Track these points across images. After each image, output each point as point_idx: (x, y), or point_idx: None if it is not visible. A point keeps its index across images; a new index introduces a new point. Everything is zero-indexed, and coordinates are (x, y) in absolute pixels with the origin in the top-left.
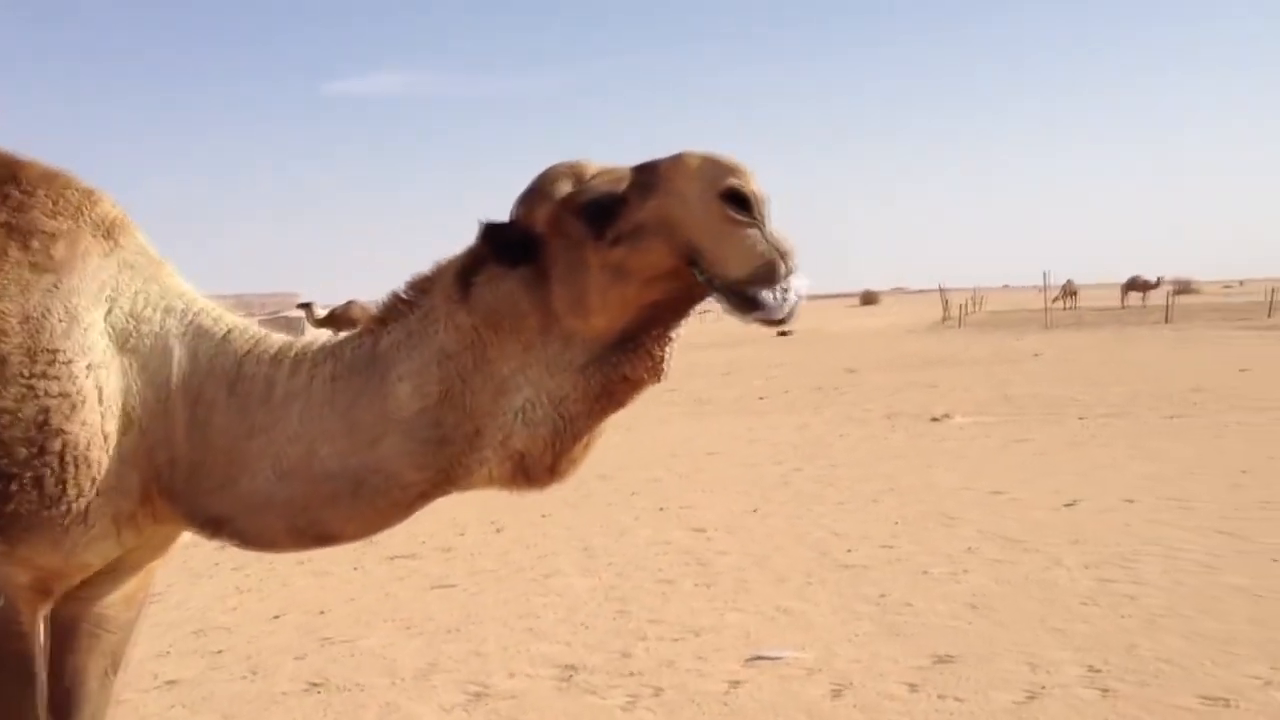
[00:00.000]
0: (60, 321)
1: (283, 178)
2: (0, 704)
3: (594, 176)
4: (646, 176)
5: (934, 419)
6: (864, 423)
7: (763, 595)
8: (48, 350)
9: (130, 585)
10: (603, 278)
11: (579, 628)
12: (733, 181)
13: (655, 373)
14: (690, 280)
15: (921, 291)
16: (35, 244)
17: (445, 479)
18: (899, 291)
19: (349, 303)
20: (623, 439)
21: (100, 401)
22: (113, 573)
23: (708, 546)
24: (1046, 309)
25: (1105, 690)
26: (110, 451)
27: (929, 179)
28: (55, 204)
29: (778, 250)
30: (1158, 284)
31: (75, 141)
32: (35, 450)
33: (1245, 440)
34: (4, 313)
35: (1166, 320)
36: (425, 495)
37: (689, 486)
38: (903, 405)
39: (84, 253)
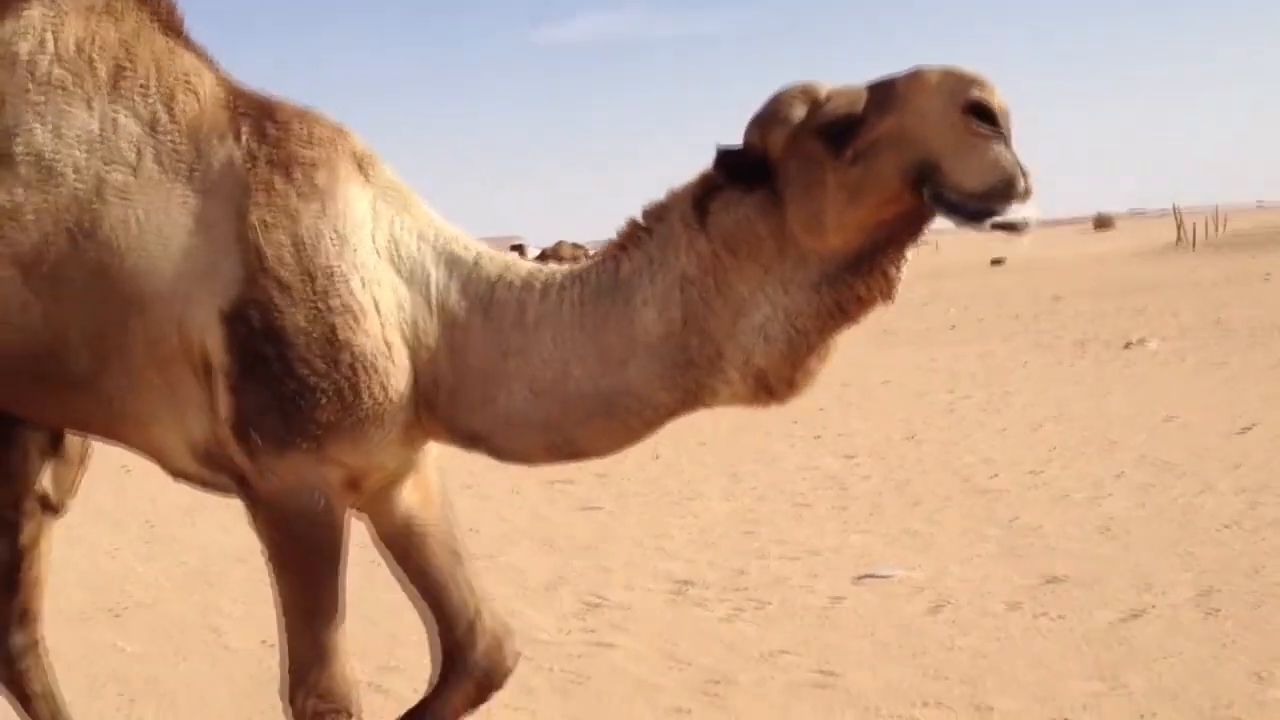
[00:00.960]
0: (333, 243)
1: (497, 126)
2: (313, 583)
3: (828, 98)
4: (883, 94)
5: (1127, 345)
6: (1051, 349)
7: (893, 518)
8: (325, 269)
9: (419, 494)
10: (840, 196)
11: (705, 546)
12: (976, 93)
13: (888, 292)
14: (919, 202)
15: (1163, 213)
16: (297, 174)
17: (693, 398)
18: (1137, 214)
19: (558, 243)
20: None
21: (379, 313)
22: (379, 493)
23: (853, 471)
24: None
25: (1213, 611)
26: (394, 361)
27: (1173, 93)
28: (310, 135)
29: (1019, 166)
30: None
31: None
32: (330, 364)
33: None
34: (280, 242)
35: None
36: (674, 413)
37: (852, 415)
38: (1099, 331)
39: (345, 178)
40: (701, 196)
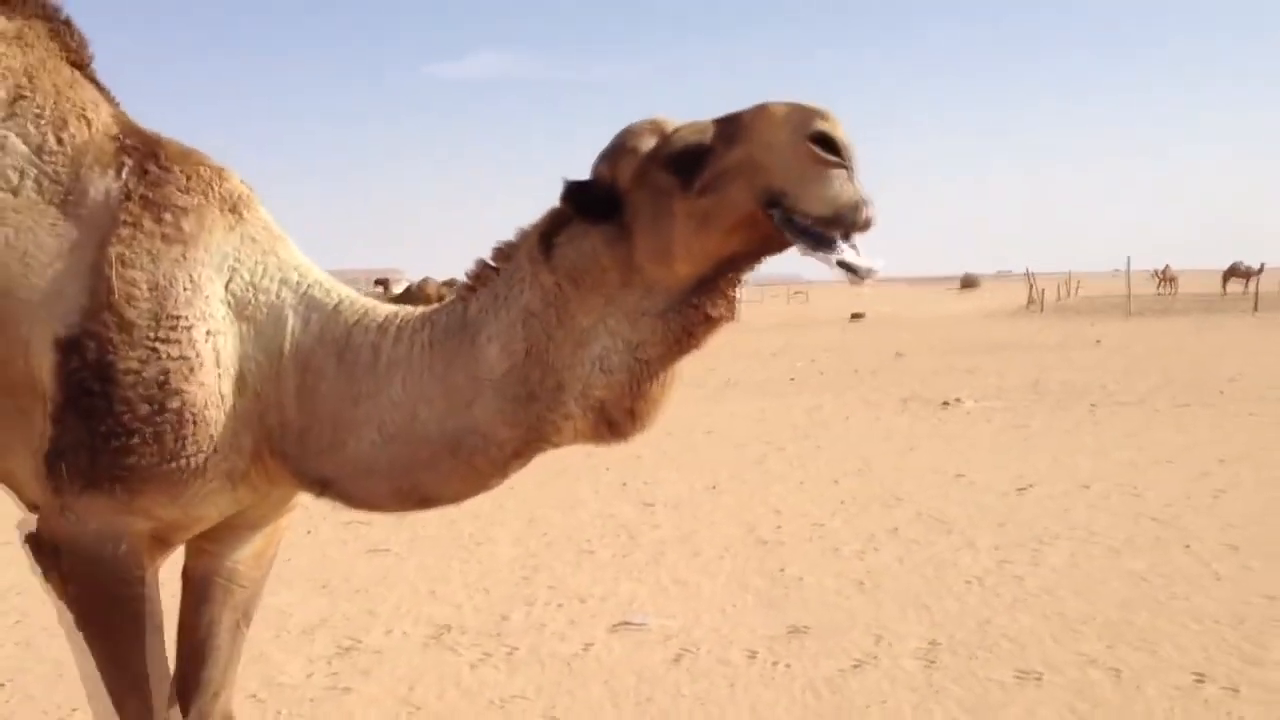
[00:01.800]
0: (185, 290)
1: (385, 157)
2: (117, 645)
3: (675, 131)
4: (731, 127)
5: (945, 404)
6: (877, 405)
7: (669, 567)
8: (171, 315)
9: (258, 544)
10: (688, 226)
11: (477, 591)
12: (821, 125)
13: (730, 311)
14: (769, 228)
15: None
16: (167, 217)
17: (536, 435)
18: (1003, 276)
19: (424, 279)
20: None
21: (218, 364)
22: (238, 529)
23: (646, 520)
24: (1129, 296)
25: (931, 662)
26: (226, 411)
27: (1045, 160)
28: (189, 180)
29: (862, 196)
30: (1261, 270)
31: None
32: (156, 408)
33: (1249, 429)
34: (134, 280)
35: (1255, 309)
36: (519, 454)
37: (664, 464)
38: (926, 389)
39: (210, 226)
40: (549, 230)
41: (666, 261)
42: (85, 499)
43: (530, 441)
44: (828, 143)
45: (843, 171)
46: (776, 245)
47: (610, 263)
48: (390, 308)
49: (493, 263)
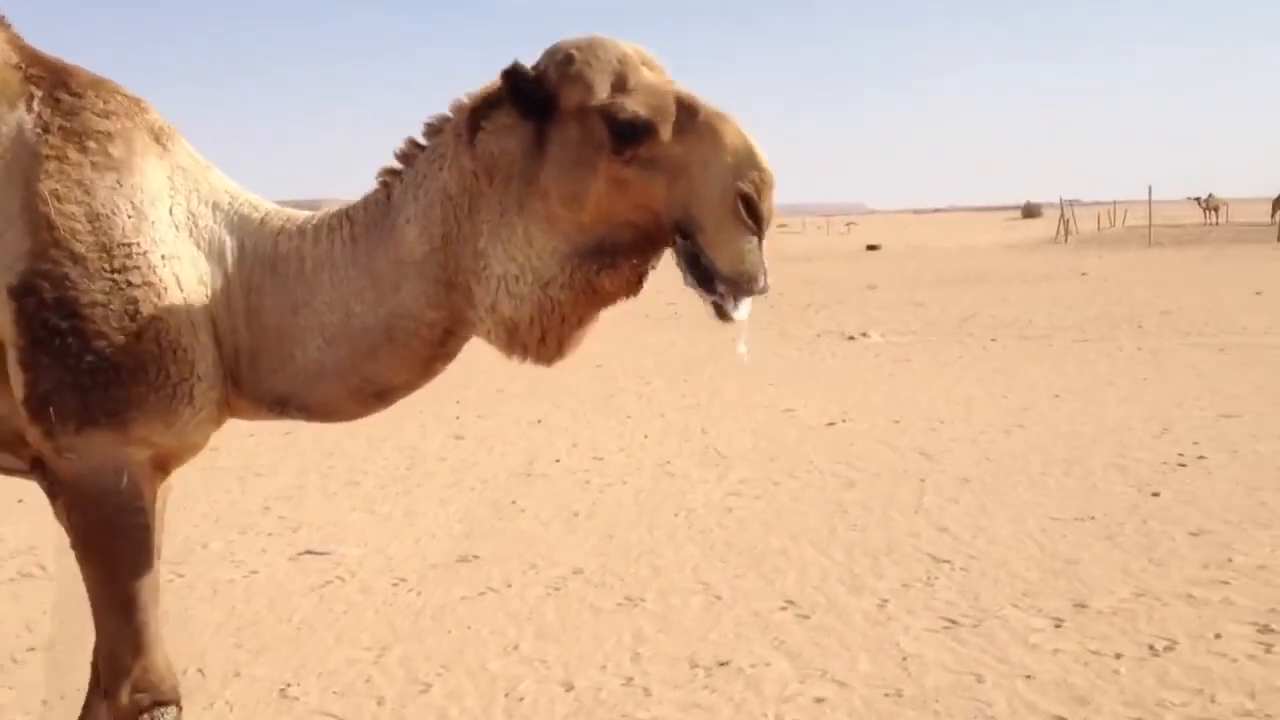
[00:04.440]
0: (129, 218)
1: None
2: (123, 570)
3: (634, 88)
4: (686, 118)
5: (850, 338)
6: (787, 337)
7: (422, 499)
8: (122, 244)
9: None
10: (604, 186)
11: (219, 521)
12: (749, 190)
13: (634, 288)
14: (666, 235)
15: (1096, 204)
16: (92, 144)
17: (460, 320)
18: (1074, 204)
19: None
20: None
21: (180, 289)
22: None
23: (469, 451)
24: (1149, 226)
25: (556, 589)
26: (199, 338)
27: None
28: (106, 104)
29: (763, 267)
30: None
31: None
32: (132, 336)
33: (1127, 365)
34: (72, 214)
35: None
36: (451, 333)
37: (521, 393)
38: (852, 323)
39: (142, 151)
40: (480, 110)
41: (575, 207)
42: (82, 437)
43: (458, 323)
44: (752, 207)
45: (755, 240)
46: (664, 244)
47: (521, 174)
48: (306, 214)
49: (420, 140)
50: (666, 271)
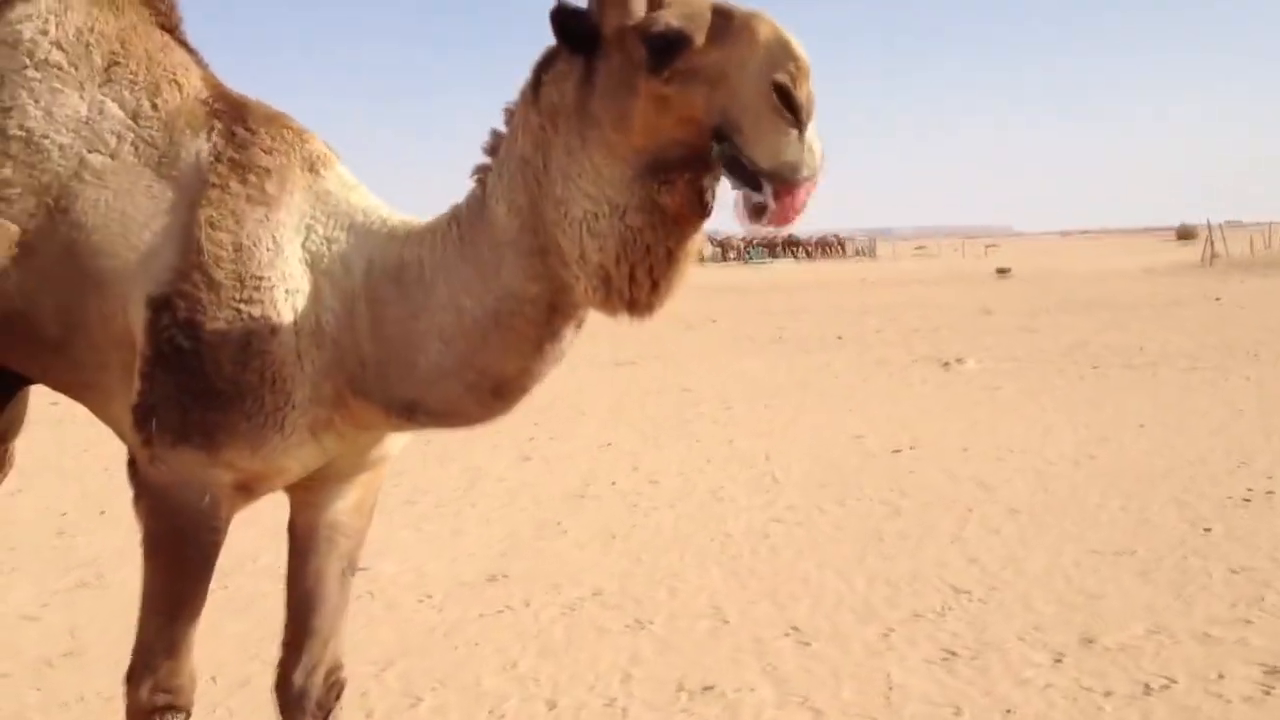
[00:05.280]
0: (268, 251)
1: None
2: (182, 578)
3: (671, 2)
4: (722, 24)
5: (944, 364)
6: (883, 363)
7: (471, 519)
8: (255, 277)
9: (356, 494)
10: (648, 105)
11: None
12: (784, 79)
13: (697, 208)
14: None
15: (1258, 225)
16: (252, 179)
17: (560, 289)
18: (1234, 225)
19: None
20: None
21: (296, 323)
22: (332, 482)
23: (531, 472)
24: None
25: (571, 609)
26: (305, 368)
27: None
28: (273, 141)
29: (805, 152)
30: None
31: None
32: (240, 367)
33: (1228, 396)
34: (221, 241)
35: None
36: (554, 308)
37: (601, 416)
38: (954, 349)
39: (291, 188)
40: (540, 66)
41: (624, 130)
42: (175, 452)
43: (559, 296)
44: (788, 96)
45: (794, 131)
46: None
47: (578, 109)
48: (435, 219)
49: (503, 128)
50: (770, 296)
